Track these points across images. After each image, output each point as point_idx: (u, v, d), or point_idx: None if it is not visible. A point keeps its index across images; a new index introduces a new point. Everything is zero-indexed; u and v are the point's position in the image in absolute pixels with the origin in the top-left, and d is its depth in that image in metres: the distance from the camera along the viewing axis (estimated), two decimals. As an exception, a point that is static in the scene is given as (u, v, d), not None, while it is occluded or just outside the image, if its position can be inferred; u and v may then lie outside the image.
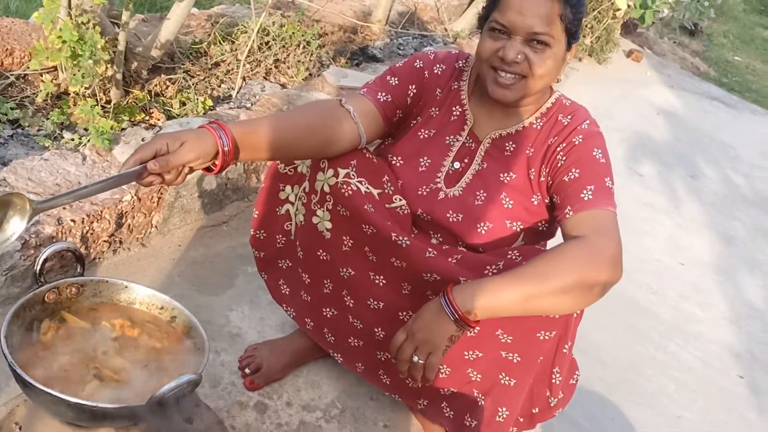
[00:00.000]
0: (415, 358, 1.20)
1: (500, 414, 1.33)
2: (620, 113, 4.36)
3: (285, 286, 1.59)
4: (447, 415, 1.41)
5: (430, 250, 1.30)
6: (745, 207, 3.76)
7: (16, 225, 1.00)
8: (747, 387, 2.27)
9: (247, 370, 1.62)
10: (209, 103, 2.26)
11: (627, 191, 3.39)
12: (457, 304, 1.15)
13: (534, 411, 1.37)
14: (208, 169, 1.19)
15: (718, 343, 2.46)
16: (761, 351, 2.50)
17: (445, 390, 1.37)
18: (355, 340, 1.48)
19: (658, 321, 2.46)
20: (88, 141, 1.85)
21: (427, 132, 1.44)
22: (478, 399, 1.34)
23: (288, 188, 1.48)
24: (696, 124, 4.79)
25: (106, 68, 1.91)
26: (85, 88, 1.92)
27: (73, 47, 1.73)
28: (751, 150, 4.67)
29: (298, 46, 2.77)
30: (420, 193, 1.41)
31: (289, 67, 2.72)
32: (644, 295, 2.59)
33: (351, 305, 1.45)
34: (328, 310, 1.50)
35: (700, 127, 4.76)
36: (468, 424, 1.36)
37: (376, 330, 1.43)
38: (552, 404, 1.36)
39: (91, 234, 1.72)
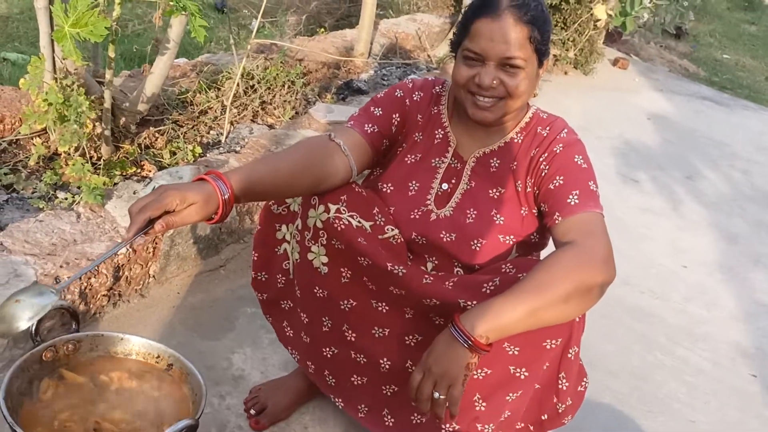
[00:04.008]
0: (436, 395, 1.20)
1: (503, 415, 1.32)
2: (610, 122, 4.39)
3: (288, 328, 1.59)
4: None
5: (426, 276, 1.33)
6: (746, 203, 3.75)
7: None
8: (761, 385, 2.25)
9: (252, 411, 1.62)
10: (198, 150, 2.30)
11: (623, 198, 3.40)
12: (467, 330, 1.17)
13: (543, 418, 1.36)
14: (207, 218, 1.21)
15: (728, 343, 2.44)
16: (772, 347, 2.48)
17: (446, 427, 1.33)
18: (358, 378, 1.47)
19: (664, 325, 2.45)
20: (81, 199, 1.89)
21: (413, 157, 1.49)
22: (486, 429, 1.32)
23: (284, 228, 1.50)
24: (688, 125, 4.80)
25: (94, 126, 1.96)
26: (75, 148, 1.96)
27: (59, 109, 1.78)
28: (746, 146, 4.66)
29: (283, 86, 2.82)
30: (413, 217, 1.44)
31: (275, 108, 2.77)
32: (648, 300, 2.58)
33: (353, 339, 1.44)
34: (328, 349, 1.49)
35: (692, 128, 4.77)
36: None
37: (381, 361, 1.41)
38: (560, 411, 1.35)
39: (90, 290, 1.74)
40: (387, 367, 1.41)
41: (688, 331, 2.45)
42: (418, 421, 1.39)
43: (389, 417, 1.45)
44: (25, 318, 1.08)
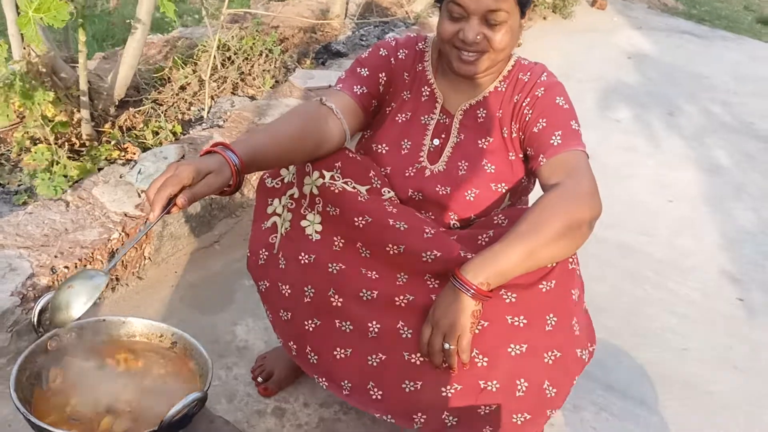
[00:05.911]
0: (447, 345, 1.25)
1: (519, 388, 1.29)
2: (590, 63, 4.39)
3: (268, 312, 1.53)
4: (449, 425, 1.33)
5: (427, 230, 1.34)
6: (727, 134, 3.79)
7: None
8: (747, 309, 2.32)
9: (259, 379, 1.67)
10: (179, 128, 2.30)
11: (605, 139, 3.43)
12: (469, 278, 1.22)
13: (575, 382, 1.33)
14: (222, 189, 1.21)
15: (715, 272, 2.50)
16: (757, 272, 2.54)
17: (447, 389, 1.30)
18: (342, 351, 1.38)
19: (652, 261, 2.50)
20: (69, 187, 1.89)
21: (403, 116, 1.50)
22: (489, 385, 1.30)
23: (276, 201, 1.49)
24: (668, 61, 4.80)
25: (72, 113, 1.95)
26: (55, 136, 1.96)
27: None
28: (726, 77, 4.68)
29: (261, 55, 2.80)
30: (407, 174, 1.47)
31: (255, 78, 2.75)
32: (635, 237, 2.63)
33: (339, 305, 1.37)
34: (310, 321, 1.41)
35: (672, 63, 4.77)
36: (483, 413, 1.31)
37: (369, 325, 1.34)
38: (585, 359, 1.33)
39: (87, 276, 1.76)
40: (376, 331, 1.34)
41: (676, 264, 2.51)
42: (411, 388, 1.32)
43: (375, 390, 1.36)
44: (80, 303, 1.08)
